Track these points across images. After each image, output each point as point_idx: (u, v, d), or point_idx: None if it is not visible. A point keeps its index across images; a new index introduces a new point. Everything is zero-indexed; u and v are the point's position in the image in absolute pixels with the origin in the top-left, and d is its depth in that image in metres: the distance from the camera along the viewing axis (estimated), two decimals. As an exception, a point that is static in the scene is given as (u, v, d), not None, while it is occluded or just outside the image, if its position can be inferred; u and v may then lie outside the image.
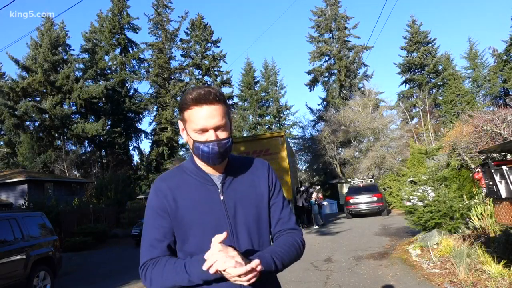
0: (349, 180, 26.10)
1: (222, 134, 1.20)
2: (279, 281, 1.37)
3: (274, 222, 1.34)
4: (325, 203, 19.62)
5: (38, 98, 30.27)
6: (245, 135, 34.85)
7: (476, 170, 10.80)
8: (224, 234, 1.09)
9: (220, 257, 1.04)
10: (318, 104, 39.12)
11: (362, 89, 32.63)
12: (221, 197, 1.25)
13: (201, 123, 1.17)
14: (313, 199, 16.45)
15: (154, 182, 1.31)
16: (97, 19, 35.30)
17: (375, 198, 16.94)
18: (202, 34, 36.56)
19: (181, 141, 36.76)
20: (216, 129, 1.19)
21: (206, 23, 37.03)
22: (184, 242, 1.23)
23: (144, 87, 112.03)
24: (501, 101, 28.90)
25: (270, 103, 39.68)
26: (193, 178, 1.27)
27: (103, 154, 34.68)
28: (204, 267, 1.05)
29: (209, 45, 37.34)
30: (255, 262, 1.04)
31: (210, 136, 1.18)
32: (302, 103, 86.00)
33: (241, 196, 1.28)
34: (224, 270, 1.03)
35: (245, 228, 1.25)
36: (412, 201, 8.48)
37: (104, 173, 29.07)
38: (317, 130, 35.30)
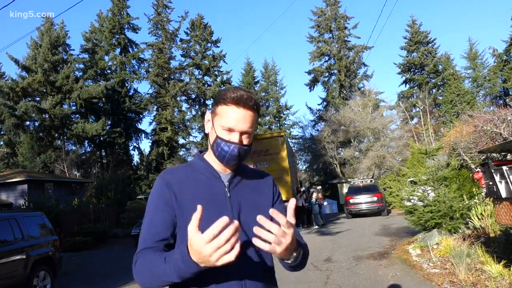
0: (349, 180, 26.09)
1: (246, 140, 1.23)
2: (279, 281, 1.37)
3: None
4: (325, 203, 19.62)
5: (38, 98, 30.28)
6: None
7: (476, 170, 10.80)
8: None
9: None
10: (318, 104, 39.17)
11: (362, 89, 32.61)
12: (228, 194, 1.26)
13: (231, 123, 1.19)
14: (313, 199, 16.46)
15: (160, 174, 1.29)
16: (97, 19, 35.31)
17: (375, 198, 16.94)
18: (202, 34, 36.55)
19: (181, 141, 36.80)
20: (242, 133, 1.21)
21: (206, 23, 37.03)
22: (184, 235, 1.16)
23: (144, 87, 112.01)
24: (501, 101, 28.89)
25: (270, 103, 39.65)
26: (201, 174, 1.28)
27: (103, 154, 34.68)
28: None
29: (209, 45, 37.33)
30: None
31: (234, 138, 1.20)
32: (302, 103, 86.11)
33: (246, 197, 1.29)
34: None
35: (247, 228, 1.23)
36: (412, 201, 8.48)
37: (104, 173, 29.05)
38: (317, 130, 35.34)
